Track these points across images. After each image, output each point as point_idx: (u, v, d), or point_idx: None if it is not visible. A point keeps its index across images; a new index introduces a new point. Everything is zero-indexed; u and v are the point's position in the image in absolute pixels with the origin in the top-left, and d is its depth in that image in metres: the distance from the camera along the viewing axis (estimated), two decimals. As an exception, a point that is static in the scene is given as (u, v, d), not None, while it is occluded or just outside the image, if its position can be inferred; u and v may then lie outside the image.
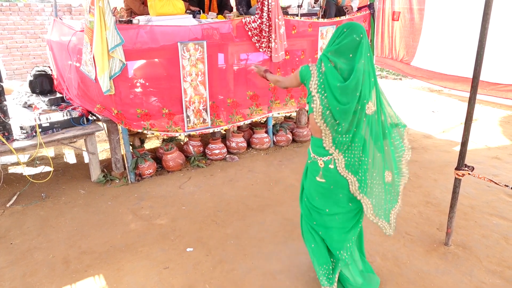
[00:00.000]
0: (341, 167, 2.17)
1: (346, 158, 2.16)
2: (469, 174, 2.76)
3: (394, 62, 7.19)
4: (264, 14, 4.32)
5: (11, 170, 4.43)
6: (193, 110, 4.21)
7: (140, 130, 4.02)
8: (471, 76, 2.66)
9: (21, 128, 3.77)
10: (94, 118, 4.25)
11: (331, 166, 2.19)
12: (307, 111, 4.64)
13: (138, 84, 4.01)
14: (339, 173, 2.19)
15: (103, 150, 5.05)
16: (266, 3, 4.27)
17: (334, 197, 2.27)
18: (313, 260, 2.43)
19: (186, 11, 4.66)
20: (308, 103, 2.19)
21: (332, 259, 2.41)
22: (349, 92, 2.01)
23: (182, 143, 4.82)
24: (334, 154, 2.16)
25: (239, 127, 5.04)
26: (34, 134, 3.77)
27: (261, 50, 4.53)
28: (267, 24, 4.36)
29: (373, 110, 2.09)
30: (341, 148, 2.14)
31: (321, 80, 2.08)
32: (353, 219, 2.34)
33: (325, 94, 2.06)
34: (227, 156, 4.75)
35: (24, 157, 4.64)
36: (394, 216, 2.32)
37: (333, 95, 2.04)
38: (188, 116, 4.20)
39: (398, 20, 6.86)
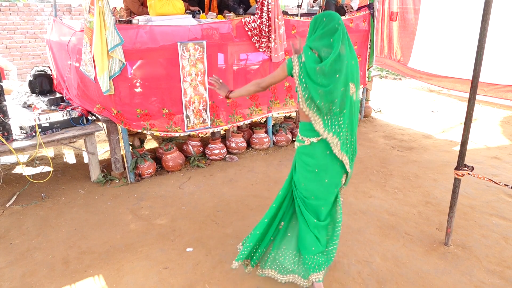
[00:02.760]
0: (337, 149, 2.25)
1: (341, 140, 2.24)
2: (468, 174, 2.76)
3: (393, 62, 7.20)
4: (264, 14, 4.32)
5: (11, 170, 4.43)
6: (193, 110, 4.21)
7: (139, 130, 4.02)
8: (467, 77, 2.67)
9: (21, 128, 3.77)
10: (94, 118, 4.25)
11: (318, 147, 2.26)
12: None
13: (137, 84, 4.01)
14: (325, 155, 2.27)
15: (104, 152, 5.05)
16: (265, 3, 4.27)
17: (319, 182, 2.33)
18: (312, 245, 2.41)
19: (185, 11, 4.66)
20: (296, 92, 2.27)
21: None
22: (326, 73, 2.10)
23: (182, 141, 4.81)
24: (328, 138, 2.22)
25: (238, 127, 5.04)
26: (34, 134, 3.76)
27: (260, 50, 4.53)
28: (267, 24, 4.36)
29: (353, 92, 2.23)
30: (334, 130, 2.21)
31: (302, 70, 2.16)
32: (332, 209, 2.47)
33: (305, 81, 2.14)
34: (226, 156, 4.75)
35: (23, 157, 4.64)
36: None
37: (311, 79, 2.12)
38: (188, 116, 4.20)
39: (396, 20, 6.86)
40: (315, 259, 2.38)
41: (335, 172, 2.35)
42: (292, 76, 2.25)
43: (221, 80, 2.68)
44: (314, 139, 2.26)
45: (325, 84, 2.10)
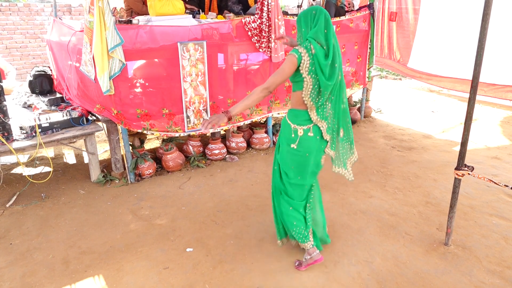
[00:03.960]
0: (324, 132, 2.47)
1: (328, 124, 2.48)
2: (468, 174, 2.76)
3: (393, 62, 7.19)
4: (264, 14, 4.32)
5: (11, 170, 4.43)
6: (193, 111, 4.21)
7: (140, 130, 4.02)
8: (467, 77, 2.68)
9: (21, 128, 3.77)
10: (94, 118, 4.25)
11: (310, 134, 2.45)
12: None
13: (138, 84, 4.01)
14: (315, 140, 2.47)
15: (104, 152, 5.05)
16: (266, 3, 4.27)
17: (307, 164, 2.53)
18: (292, 223, 2.65)
19: (185, 10, 4.65)
20: (294, 82, 2.40)
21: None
22: (332, 66, 2.31)
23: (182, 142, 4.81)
24: (318, 123, 2.43)
25: (238, 127, 5.04)
26: (34, 134, 3.76)
27: (261, 50, 4.53)
28: (267, 24, 4.36)
29: (340, 79, 2.43)
30: (323, 116, 2.44)
31: (312, 62, 2.28)
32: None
33: (317, 73, 2.28)
34: (227, 156, 4.75)
35: (23, 157, 4.64)
36: (350, 165, 2.71)
37: (322, 71, 2.28)
38: (188, 117, 4.20)
39: (395, 20, 6.86)
40: (300, 231, 2.63)
41: (319, 154, 2.56)
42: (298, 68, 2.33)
43: (209, 118, 2.34)
44: (306, 127, 2.44)
45: (330, 75, 2.30)
